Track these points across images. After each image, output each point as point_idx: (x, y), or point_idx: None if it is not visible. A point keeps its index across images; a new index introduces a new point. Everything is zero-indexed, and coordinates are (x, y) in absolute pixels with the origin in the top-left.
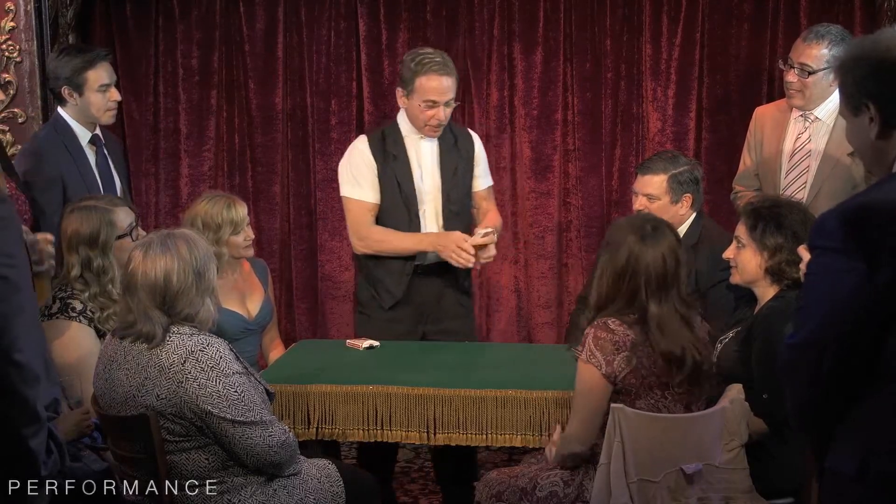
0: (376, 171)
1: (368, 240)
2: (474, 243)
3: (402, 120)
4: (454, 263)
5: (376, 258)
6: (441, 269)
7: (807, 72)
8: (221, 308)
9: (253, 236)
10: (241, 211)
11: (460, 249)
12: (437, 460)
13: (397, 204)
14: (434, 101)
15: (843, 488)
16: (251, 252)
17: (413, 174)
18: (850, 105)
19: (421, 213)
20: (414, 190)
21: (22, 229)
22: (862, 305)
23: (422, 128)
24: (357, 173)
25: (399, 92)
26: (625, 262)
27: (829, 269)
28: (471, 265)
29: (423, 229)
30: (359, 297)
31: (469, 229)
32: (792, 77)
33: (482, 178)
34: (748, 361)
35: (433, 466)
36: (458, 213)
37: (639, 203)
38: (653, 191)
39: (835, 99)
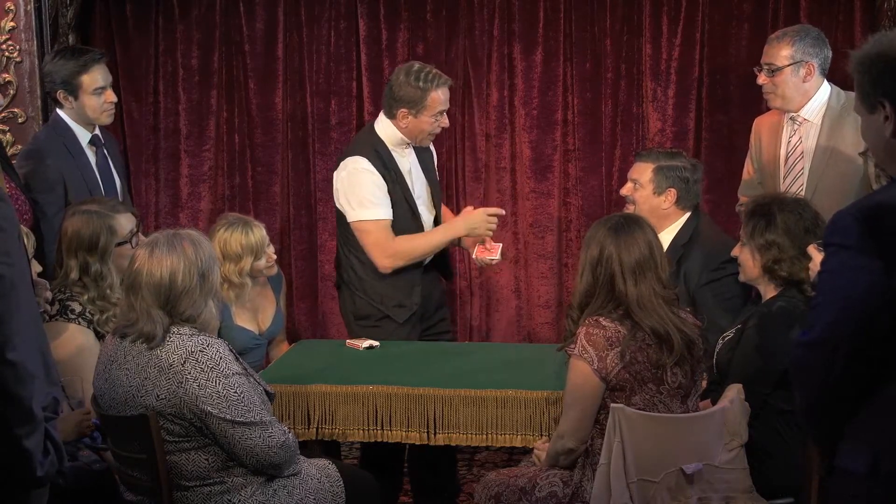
0: (386, 189)
1: (398, 253)
2: (492, 213)
3: (385, 134)
4: (487, 234)
5: (377, 277)
6: (429, 268)
7: (772, 70)
8: (234, 326)
9: (275, 257)
10: (259, 233)
11: (488, 217)
12: (414, 465)
13: (405, 215)
14: (443, 110)
15: (853, 486)
16: (274, 271)
17: (408, 184)
18: (866, 102)
19: (422, 219)
20: (414, 199)
21: (19, 229)
22: (876, 303)
23: (423, 138)
24: (369, 194)
25: (402, 113)
26: (598, 253)
27: (843, 266)
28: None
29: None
30: (362, 313)
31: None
32: (762, 80)
33: (436, 173)
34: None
35: (408, 470)
36: (439, 208)
37: (625, 188)
38: (637, 176)
39: (819, 98)
